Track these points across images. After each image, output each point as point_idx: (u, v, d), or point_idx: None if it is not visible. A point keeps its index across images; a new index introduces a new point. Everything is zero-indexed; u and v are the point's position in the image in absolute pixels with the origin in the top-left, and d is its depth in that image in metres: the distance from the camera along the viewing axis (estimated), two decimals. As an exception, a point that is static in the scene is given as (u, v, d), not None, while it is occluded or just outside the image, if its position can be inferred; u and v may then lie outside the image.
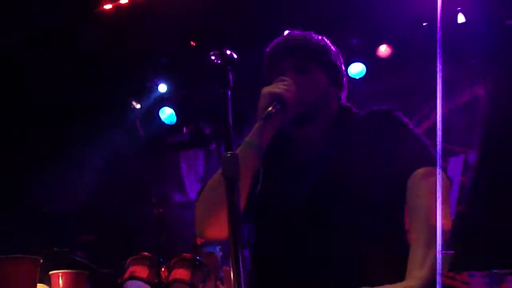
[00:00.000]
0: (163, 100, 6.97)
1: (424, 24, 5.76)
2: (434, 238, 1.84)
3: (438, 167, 1.28)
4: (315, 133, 2.23)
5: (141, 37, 5.99)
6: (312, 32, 2.32)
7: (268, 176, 2.12)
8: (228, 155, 1.56)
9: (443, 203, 1.94)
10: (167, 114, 7.02)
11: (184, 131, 7.37)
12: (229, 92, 1.66)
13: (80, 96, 6.45)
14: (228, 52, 1.68)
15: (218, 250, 5.62)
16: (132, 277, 4.65)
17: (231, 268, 1.48)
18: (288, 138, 2.27)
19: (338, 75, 2.30)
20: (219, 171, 2.09)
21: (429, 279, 1.82)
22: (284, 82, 2.11)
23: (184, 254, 4.96)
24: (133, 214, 7.03)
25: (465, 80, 5.90)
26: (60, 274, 2.51)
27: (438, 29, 1.24)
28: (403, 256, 1.94)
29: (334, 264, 2.02)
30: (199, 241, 5.65)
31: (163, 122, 7.08)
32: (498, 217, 0.99)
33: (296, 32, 2.31)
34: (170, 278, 4.72)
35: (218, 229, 2.08)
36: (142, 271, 4.66)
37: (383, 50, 6.20)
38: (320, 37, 2.30)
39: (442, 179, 1.99)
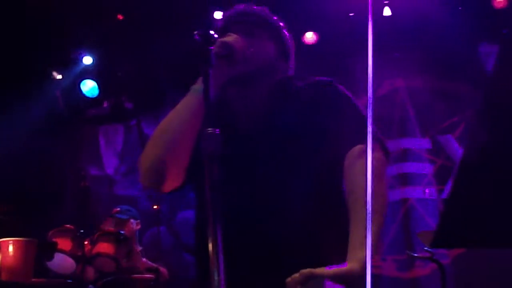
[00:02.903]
0: (86, 72, 6.87)
1: (350, 14, 5.93)
2: (374, 218, 1.83)
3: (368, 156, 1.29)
4: (255, 100, 2.20)
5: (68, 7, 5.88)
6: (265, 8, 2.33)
7: None
8: (209, 131, 1.58)
9: (377, 181, 1.91)
10: (89, 86, 6.93)
11: (105, 105, 7.27)
12: (210, 72, 1.72)
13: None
14: (212, 32, 1.74)
15: (133, 220, 5.57)
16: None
17: (210, 243, 1.49)
18: (227, 103, 2.23)
19: (285, 48, 2.29)
20: (170, 113, 2.05)
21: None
22: (233, 36, 2.09)
23: (108, 228, 4.95)
24: (48, 187, 6.89)
25: (385, 72, 6.10)
26: (10, 241, 2.45)
27: (370, 19, 1.32)
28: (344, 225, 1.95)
29: (278, 232, 2.01)
30: (114, 210, 5.62)
31: (84, 95, 6.99)
32: (486, 196, 1.08)
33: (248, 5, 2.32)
34: (94, 251, 4.70)
35: (166, 178, 2.03)
36: (65, 243, 4.60)
37: (309, 37, 6.35)
38: (270, 12, 2.31)
39: (378, 158, 2.01)
